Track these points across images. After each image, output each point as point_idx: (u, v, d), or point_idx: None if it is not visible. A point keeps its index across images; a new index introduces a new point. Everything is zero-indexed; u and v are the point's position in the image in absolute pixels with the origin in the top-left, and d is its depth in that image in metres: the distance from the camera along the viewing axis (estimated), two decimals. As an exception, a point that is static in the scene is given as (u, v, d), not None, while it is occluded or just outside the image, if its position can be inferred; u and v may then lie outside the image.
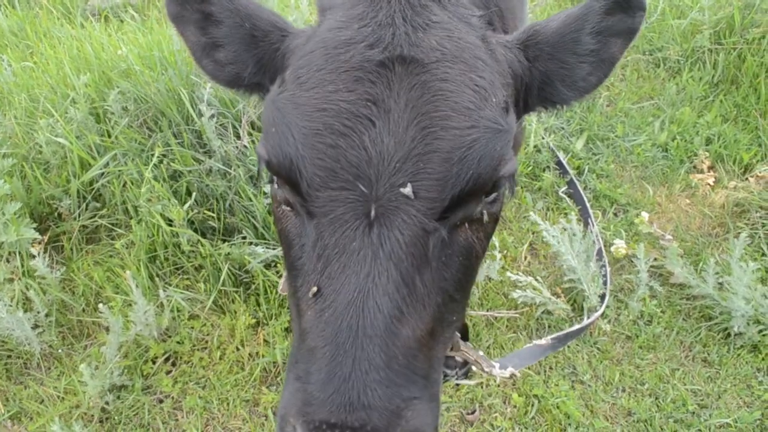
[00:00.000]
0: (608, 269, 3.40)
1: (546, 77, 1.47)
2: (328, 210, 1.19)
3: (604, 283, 3.34)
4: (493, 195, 1.29)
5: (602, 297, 3.30)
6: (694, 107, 4.65)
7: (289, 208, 1.33)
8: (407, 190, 1.17)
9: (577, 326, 2.85)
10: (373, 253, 1.15)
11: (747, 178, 4.14)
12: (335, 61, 1.27)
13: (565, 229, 3.45)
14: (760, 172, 4.12)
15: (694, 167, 4.30)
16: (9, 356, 3.15)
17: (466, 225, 1.29)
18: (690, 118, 4.52)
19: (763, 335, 3.22)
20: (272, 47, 1.49)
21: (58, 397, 2.98)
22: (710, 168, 4.29)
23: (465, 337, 2.59)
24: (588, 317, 3.30)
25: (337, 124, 1.19)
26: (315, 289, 1.22)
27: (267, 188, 3.37)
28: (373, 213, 1.16)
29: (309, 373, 1.14)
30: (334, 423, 1.08)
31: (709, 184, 4.18)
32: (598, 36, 1.44)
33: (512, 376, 2.15)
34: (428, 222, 1.18)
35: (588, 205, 3.86)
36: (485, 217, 1.31)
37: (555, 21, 1.48)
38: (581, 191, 3.93)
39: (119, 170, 3.58)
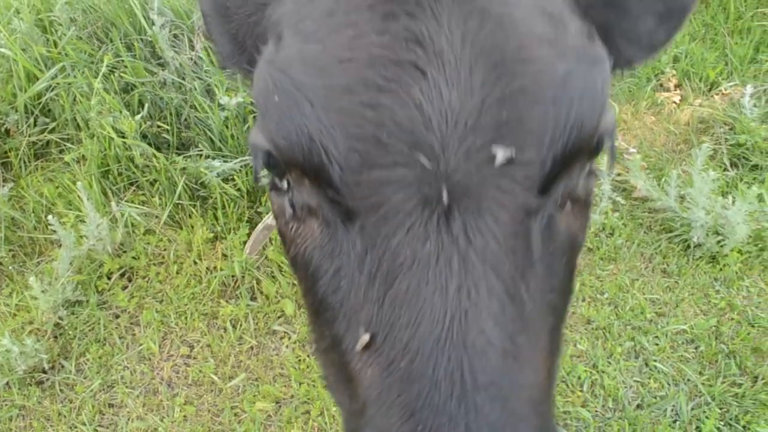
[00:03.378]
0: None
1: (602, 30, 1.11)
2: (378, 200, 0.81)
3: None
4: (592, 162, 0.96)
5: None
6: (663, 25, 4.58)
7: (306, 220, 0.94)
8: (503, 153, 0.79)
9: None
10: (461, 256, 0.78)
11: (712, 96, 4.12)
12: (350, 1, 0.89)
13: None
14: (725, 89, 4.10)
15: (661, 85, 4.26)
16: (-44, 274, 3.06)
17: (569, 205, 0.92)
18: (658, 36, 4.45)
19: (721, 246, 3.25)
20: (248, 20, 1.12)
21: (10, 313, 2.90)
22: (677, 86, 4.26)
23: None
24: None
25: (373, 76, 0.82)
26: (367, 337, 0.82)
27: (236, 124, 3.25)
28: (445, 196, 0.78)
29: None
30: None
31: (675, 102, 4.16)
32: None
33: None
34: (530, 197, 0.82)
35: None
36: (585, 194, 0.96)
37: None
38: None
39: (68, 83, 3.42)
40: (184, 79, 3.44)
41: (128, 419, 2.65)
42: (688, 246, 3.33)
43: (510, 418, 0.73)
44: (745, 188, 3.40)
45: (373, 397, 0.79)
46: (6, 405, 2.66)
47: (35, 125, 3.46)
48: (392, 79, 0.82)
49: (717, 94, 4.11)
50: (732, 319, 3.06)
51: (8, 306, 2.91)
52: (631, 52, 1.15)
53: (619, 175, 3.60)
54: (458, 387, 0.73)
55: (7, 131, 3.49)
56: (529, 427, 0.75)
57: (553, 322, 0.88)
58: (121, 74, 3.43)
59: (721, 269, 3.23)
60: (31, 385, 2.71)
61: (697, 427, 2.69)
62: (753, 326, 3.03)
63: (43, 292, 2.70)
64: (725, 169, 3.65)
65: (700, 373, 2.88)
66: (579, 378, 2.82)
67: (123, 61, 3.47)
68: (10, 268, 3.04)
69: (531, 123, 0.81)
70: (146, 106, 3.31)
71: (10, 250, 3.11)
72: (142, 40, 3.58)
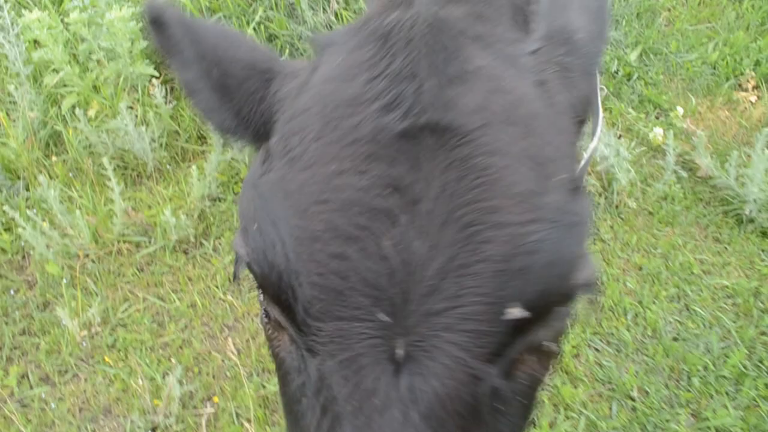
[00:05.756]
0: (601, 116, 3.72)
1: None
2: (335, 349, 0.85)
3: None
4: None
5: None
6: (750, 33, 4.93)
7: (279, 329, 0.98)
8: (515, 312, 0.83)
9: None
10: (403, 415, 0.82)
11: (789, 99, 4.45)
12: (338, 128, 0.92)
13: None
14: (801, 94, 4.42)
15: (739, 85, 4.61)
16: (126, 168, 3.84)
17: (532, 356, 0.94)
18: (743, 42, 4.80)
19: (773, 222, 3.62)
20: (252, 97, 1.14)
21: (169, 198, 3.65)
22: (755, 87, 4.60)
23: None
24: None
25: (345, 223, 0.85)
26: None
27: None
28: (400, 353, 0.83)
29: None
30: None
31: (750, 102, 4.51)
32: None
33: None
34: (478, 365, 0.84)
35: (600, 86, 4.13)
36: (552, 338, 0.95)
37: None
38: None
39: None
40: (318, 34, 4.12)
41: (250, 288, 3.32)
42: (741, 221, 3.71)
43: None
44: (804, 176, 3.75)
45: None
46: (160, 263, 3.39)
47: (194, 61, 4.23)
48: (363, 227, 0.84)
49: (794, 98, 4.43)
50: (773, 284, 3.44)
51: (167, 194, 3.66)
52: None
53: (687, 154, 4.02)
54: None
55: (171, 65, 4.27)
56: None
57: None
58: (267, 25, 4.15)
59: (769, 243, 3.61)
60: (178, 252, 3.44)
61: (724, 361, 3.10)
62: (792, 294, 3.40)
63: (198, 180, 3.43)
64: (789, 162, 3.99)
65: (734, 321, 3.27)
66: (624, 309, 3.28)
67: (268, 16, 4.20)
68: (167, 167, 3.79)
69: (490, 294, 0.82)
70: (286, 52, 4.01)
71: (167, 155, 3.87)
72: (285, 2, 4.31)
